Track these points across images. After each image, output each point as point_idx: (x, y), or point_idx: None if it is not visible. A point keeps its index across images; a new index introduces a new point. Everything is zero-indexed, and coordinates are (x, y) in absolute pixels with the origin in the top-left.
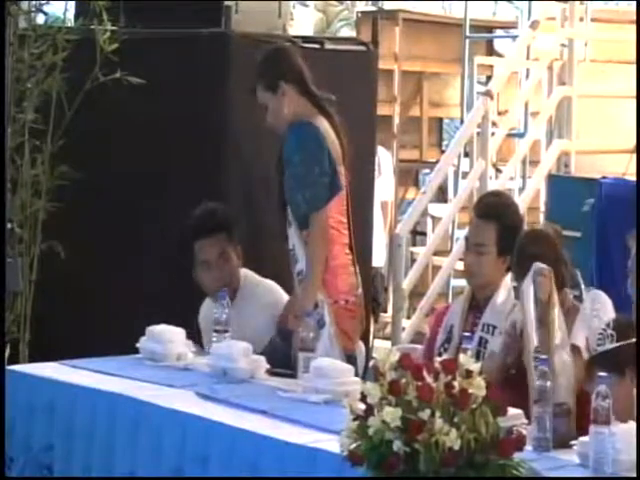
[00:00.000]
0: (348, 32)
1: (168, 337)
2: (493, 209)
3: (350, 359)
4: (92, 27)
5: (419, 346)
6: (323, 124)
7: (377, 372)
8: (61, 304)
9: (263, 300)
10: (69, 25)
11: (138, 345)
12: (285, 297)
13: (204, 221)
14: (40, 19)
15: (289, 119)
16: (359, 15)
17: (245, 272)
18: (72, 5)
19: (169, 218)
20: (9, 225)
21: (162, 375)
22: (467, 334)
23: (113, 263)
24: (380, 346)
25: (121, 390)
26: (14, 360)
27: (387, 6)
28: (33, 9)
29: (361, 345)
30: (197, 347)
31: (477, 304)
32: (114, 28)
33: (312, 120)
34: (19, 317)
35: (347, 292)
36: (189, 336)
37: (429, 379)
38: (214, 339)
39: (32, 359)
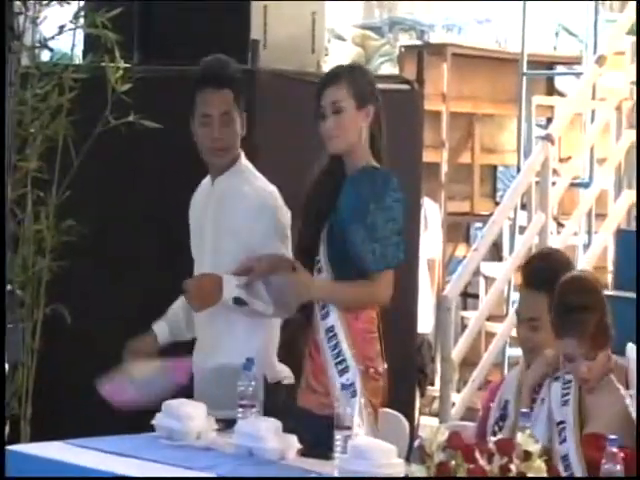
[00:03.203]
0: (390, 69)
1: (187, 413)
2: (542, 276)
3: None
4: (103, 65)
5: (470, 424)
6: None
7: (423, 453)
8: (67, 376)
9: (258, 189)
10: (77, 62)
11: (154, 422)
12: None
13: (214, 71)
14: (45, 56)
15: (348, 143)
16: (402, 50)
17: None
18: (80, 40)
19: (185, 273)
20: (9, 287)
21: (180, 456)
22: (525, 410)
23: (125, 328)
24: (426, 423)
25: (135, 473)
26: (14, 439)
27: (434, 39)
28: (37, 45)
29: (404, 422)
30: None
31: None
32: (127, 66)
33: (383, 167)
34: (20, 390)
35: (374, 359)
36: None
37: (482, 461)
38: (239, 415)
39: (34, 438)
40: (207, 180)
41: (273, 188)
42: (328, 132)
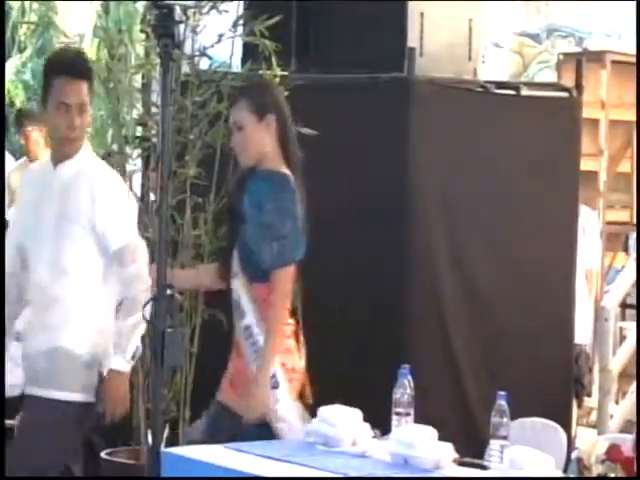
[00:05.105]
0: (548, 76)
1: (342, 419)
2: None
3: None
4: (260, 72)
5: (629, 436)
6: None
7: (581, 465)
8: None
9: (103, 176)
10: (235, 70)
11: (308, 427)
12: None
13: (75, 61)
14: (204, 64)
15: (257, 154)
16: (560, 57)
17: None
18: (239, 48)
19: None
20: (169, 291)
21: (335, 462)
22: None
23: None
24: (584, 435)
25: None
26: (173, 442)
27: (592, 46)
28: (197, 53)
29: (561, 433)
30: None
31: None
32: (284, 73)
33: (282, 170)
34: (178, 394)
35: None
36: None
37: None
38: (394, 423)
39: (193, 441)
40: (44, 165)
41: (112, 174)
42: (235, 149)
